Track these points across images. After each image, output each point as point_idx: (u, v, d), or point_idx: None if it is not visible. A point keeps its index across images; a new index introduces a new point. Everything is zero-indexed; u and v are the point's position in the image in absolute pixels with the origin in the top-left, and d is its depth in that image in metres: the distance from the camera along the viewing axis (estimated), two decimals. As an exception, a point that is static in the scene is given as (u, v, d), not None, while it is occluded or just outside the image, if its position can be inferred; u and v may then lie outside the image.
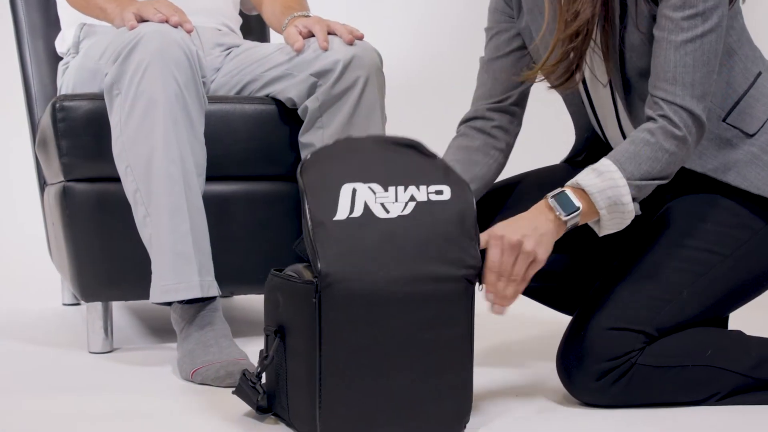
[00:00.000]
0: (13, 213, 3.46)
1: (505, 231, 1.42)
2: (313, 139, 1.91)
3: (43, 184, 2.27)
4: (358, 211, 1.35)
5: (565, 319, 1.69)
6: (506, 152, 1.72)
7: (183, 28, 1.81)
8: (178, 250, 1.73)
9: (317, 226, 1.33)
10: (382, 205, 1.36)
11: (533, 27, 1.64)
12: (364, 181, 1.36)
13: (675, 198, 1.61)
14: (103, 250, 1.90)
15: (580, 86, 1.65)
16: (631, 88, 1.57)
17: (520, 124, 1.73)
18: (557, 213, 1.44)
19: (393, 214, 1.35)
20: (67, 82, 2.08)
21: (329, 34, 1.94)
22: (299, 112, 1.94)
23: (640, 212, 1.50)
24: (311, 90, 1.91)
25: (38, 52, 2.37)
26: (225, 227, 1.94)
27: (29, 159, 2.48)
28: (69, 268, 1.95)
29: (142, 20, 1.83)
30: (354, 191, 1.35)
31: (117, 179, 1.81)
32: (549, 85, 1.60)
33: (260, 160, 1.97)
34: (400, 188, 1.37)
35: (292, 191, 1.99)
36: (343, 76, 1.89)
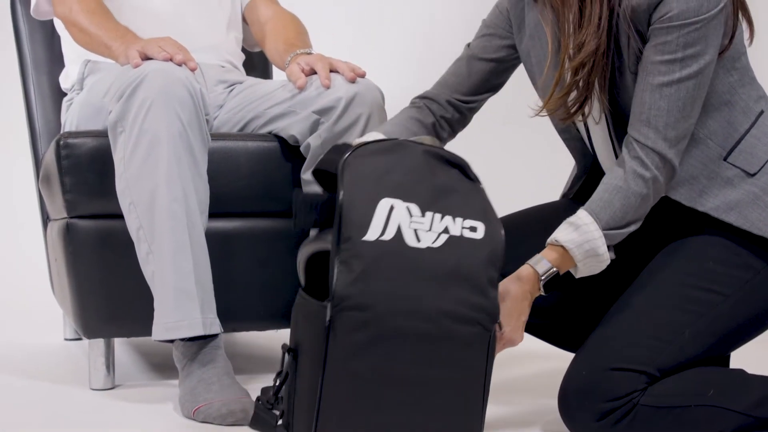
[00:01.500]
0: (16, 246, 3.46)
1: (516, 331, 1.50)
2: (315, 176, 1.92)
3: (46, 218, 2.28)
4: (389, 234, 1.33)
5: (567, 356, 1.69)
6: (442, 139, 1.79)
7: (187, 67, 1.82)
8: (180, 287, 1.74)
9: (344, 241, 1.31)
10: (415, 231, 1.34)
11: (533, 53, 1.65)
12: (405, 199, 1.34)
13: (676, 236, 1.61)
14: (106, 286, 1.90)
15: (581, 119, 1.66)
16: (624, 127, 1.58)
17: (464, 125, 1.80)
18: (540, 284, 1.52)
19: (423, 245, 1.34)
20: (71, 118, 2.09)
21: (331, 71, 1.96)
22: (302, 149, 1.95)
23: (614, 257, 1.55)
24: (314, 127, 1.93)
25: (42, 88, 2.38)
26: (227, 264, 1.94)
27: (32, 193, 2.48)
28: (71, 304, 1.95)
29: (146, 58, 1.84)
30: (392, 209, 1.33)
31: (120, 216, 1.82)
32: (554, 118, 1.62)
33: (262, 197, 1.98)
34: (437, 216, 1.35)
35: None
36: (345, 113, 1.90)
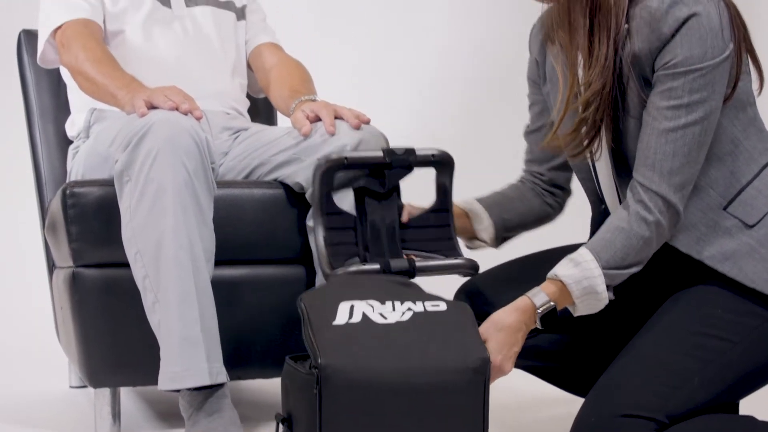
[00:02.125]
0: (21, 291, 3.46)
1: (507, 361, 1.51)
2: (320, 222, 1.92)
3: (51, 265, 2.28)
4: (356, 318, 1.37)
5: (577, 401, 1.68)
6: (554, 210, 1.83)
7: (193, 115, 1.84)
8: (186, 336, 1.73)
9: (317, 331, 1.34)
10: (381, 314, 1.38)
11: (552, 96, 1.67)
12: (361, 298, 1.39)
13: (683, 281, 1.61)
14: (112, 335, 1.90)
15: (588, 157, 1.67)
16: (626, 167, 1.58)
17: (567, 195, 1.83)
18: (536, 317, 1.52)
19: (391, 320, 1.37)
20: (77, 166, 2.10)
21: (336, 118, 1.96)
22: (307, 196, 1.95)
23: (614, 298, 1.55)
24: (319, 174, 1.93)
25: (48, 135, 2.40)
26: (233, 311, 1.94)
27: (38, 239, 2.49)
28: (77, 353, 1.95)
29: (152, 107, 1.85)
30: (352, 306, 1.39)
31: (126, 265, 1.82)
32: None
33: (268, 244, 1.98)
34: (397, 302, 1.40)
35: (300, 275, 1.99)
36: (350, 160, 1.91)
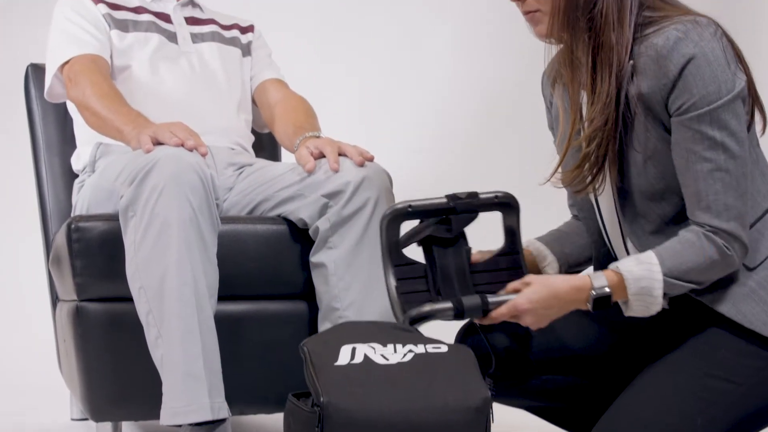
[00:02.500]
0: (24, 322, 3.47)
1: (530, 314, 1.51)
2: (323, 259, 1.93)
3: (55, 298, 2.29)
4: (358, 359, 1.38)
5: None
6: None
7: (198, 152, 1.85)
8: (189, 371, 1.74)
9: (319, 371, 1.35)
10: (382, 355, 1.39)
11: (555, 129, 1.68)
12: (363, 341, 1.40)
13: (688, 321, 1.61)
14: (115, 369, 1.90)
15: (591, 194, 1.67)
16: (630, 204, 1.59)
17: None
18: (589, 300, 1.51)
19: (393, 361, 1.38)
20: (82, 200, 2.12)
21: (340, 155, 1.98)
22: (310, 232, 1.97)
23: (667, 307, 1.53)
24: (322, 211, 1.94)
25: (54, 169, 2.41)
26: (236, 346, 1.95)
27: (42, 271, 2.50)
28: (80, 386, 1.95)
29: (158, 143, 1.87)
30: (354, 348, 1.39)
31: (130, 299, 1.83)
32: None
33: (271, 280, 1.99)
34: (399, 345, 1.41)
35: (303, 311, 2.00)
36: (353, 197, 1.92)
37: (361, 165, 1.95)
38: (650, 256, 1.52)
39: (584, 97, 1.58)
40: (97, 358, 1.91)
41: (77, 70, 2.14)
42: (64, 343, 2.13)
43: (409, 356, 1.40)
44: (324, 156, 1.99)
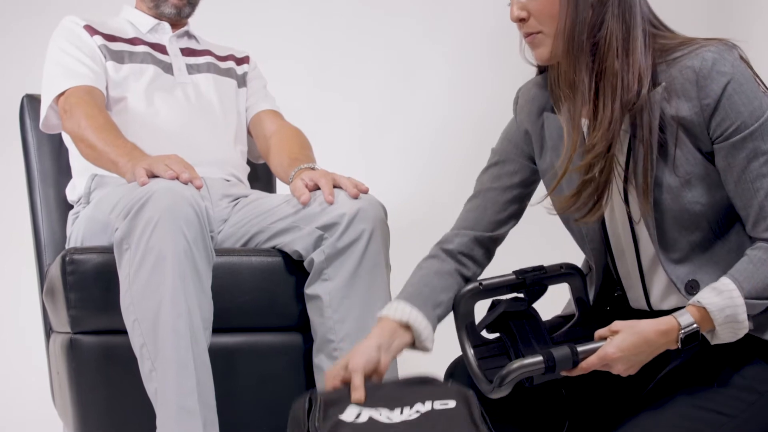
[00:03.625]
0: (17, 353, 3.44)
1: (621, 362, 1.49)
2: (318, 291, 1.93)
3: (49, 330, 2.28)
4: (362, 419, 1.39)
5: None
6: (470, 280, 1.74)
7: (193, 185, 1.85)
8: (183, 405, 1.73)
9: (326, 418, 1.35)
10: (387, 417, 1.40)
11: (555, 163, 1.65)
12: (371, 406, 1.41)
13: (682, 357, 1.61)
14: (108, 402, 1.90)
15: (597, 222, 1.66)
16: (663, 229, 1.58)
17: (491, 259, 1.77)
18: (678, 340, 1.50)
19: (397, 421, 1.38)
20: (77, 231, 2.11)
21: (335, 187, 1.98)
22: (305, 264, 1.97)
23: (753, 327, 1.52)
24: (317, 243, 1.94)
25: (49, 200, 2.41)
26: (231, 379, 1.94)
27: (35, 302, 2.49)
28: (73, 418, 1.94)
29: (153, 176, 1.87)
30: (360, 412, 1.40)
31: (124, 332, 1.82)
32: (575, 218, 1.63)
33: (266, 312, 1.99)
34: (406, 407, 1.42)
35: (298, 343, 2.00)
36: (348, 229, 1.92)
37: (356, 197, 1.96)
38: (726, 283, 1.50)
39: (585, 122, 1.57)
40: (90, 391, 1.90)
41: (72, 102, 2.14)
42: (57, 375, 2.12)
43: (415, 415, 1.40)
44: (319, 188, 2.00)
